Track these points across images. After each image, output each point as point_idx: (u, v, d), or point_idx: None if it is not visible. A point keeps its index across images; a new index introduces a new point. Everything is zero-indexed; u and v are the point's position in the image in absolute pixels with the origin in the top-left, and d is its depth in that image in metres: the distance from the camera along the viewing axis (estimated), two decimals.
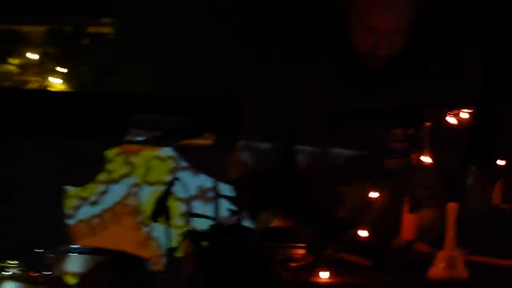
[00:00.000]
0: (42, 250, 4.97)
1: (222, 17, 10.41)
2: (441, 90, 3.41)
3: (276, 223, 3.35)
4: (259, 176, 3.48)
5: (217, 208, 5.71)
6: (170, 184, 4.31)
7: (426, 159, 3.11)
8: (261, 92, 3.57)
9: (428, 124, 3.11)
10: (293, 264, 2.85)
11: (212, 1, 11.00)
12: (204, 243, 2.96)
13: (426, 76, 3.44)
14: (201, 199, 6.03)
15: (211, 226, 3.13)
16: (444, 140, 3.21)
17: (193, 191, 4.58)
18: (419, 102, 3.21)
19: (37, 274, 4.70)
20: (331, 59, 3.45)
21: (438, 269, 2.91)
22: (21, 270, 4.75)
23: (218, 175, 5.80)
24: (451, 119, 3.08)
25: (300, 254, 2.89)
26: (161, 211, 4.30)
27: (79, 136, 8.04)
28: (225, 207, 5.06)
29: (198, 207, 5.67)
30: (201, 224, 4.57)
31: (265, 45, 3.72)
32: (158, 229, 6.76)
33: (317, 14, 3.71)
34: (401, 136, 3.21)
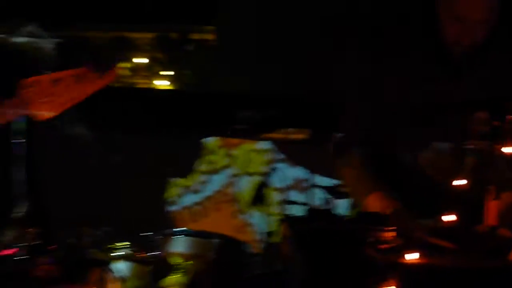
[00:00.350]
0: (150, 233, 5.01)
1: (317, 20, 10.40)
2: None
3: (371, 207, 3.29)
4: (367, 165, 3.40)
5: (310, 197, 5.70)
6: (268, 174, 4.30)
7: (509, 149, 3.03)
8: (355, 89, 3.50)
9: (511, 117, 3.03)
10: (383, 246, 2.80)
11: (307, 5, 10.98)
12: (301, 227, 2.92)
13: (508, 66, 3.33)
14: (296, 189, 6.02)
15: (308, 211, 3.10)
16: None
17: (289, 181, 4.57)
18: (503, 95, 3.12)
19: (145, 254, 4.73)
20: (418, 49, 3.36)
21: None
22: (131, 251, 4.78)
23: (312, 167, 5.78)
24: None
25: (390, 236, 2.84)
26: (259, 198, 4.28)
27: (184, 131, 8.12)
28: (319, 195, 5.04)
29: (294, 196, 5.66)
30: (296, 211, 4.54)
31: (357, 45, 3.64)
32: (254, 216, 6.78)
33: (404, 3, 3.61)
34: (484, 120, 3.12)
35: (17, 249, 3.09)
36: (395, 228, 2.86)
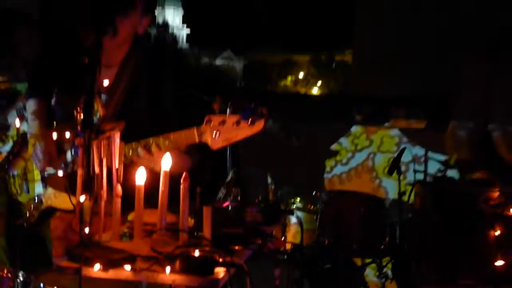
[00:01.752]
0: (314, 192, 4.99)
1: (429, 39, 10.16)
2: None
3: (478, 175, 3.16)
4: (468, 146, 3.27)
5: (426, 168, 5.56)
6: (402, 151, 4.20)
7: None
8: (463, 91, 3.36)
9: None
10: (491, 202, 2.70)
11: (427, 28, 10.70)
12: (434, 188, 2.85)
13: None
14: (416, 162, 5.90)
15: (436, 177, 3.01)
16: None
17: (411, 157, 4.48)
18: None
19: (313, 207, 4.70)
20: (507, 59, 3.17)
21: None
22: (303, 204, 4.77)
23: (428, 147, 5.65)
24: None
25: (496, 195, 2.73)
26: (394, 168, 4.19)
27: (331, 122, 8.13)
28: (433, 168, 4.90)
29: (415, 167, 5.55)
30: (418, 178, 4.42)
31: (461, 57, 3.47)
32: (385, 181, 6.70)
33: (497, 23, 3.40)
34: None
35: (228, 202, 3.09)
36: (499, 189, 2.76)
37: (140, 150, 2.81)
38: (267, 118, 2.67)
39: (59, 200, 3.17)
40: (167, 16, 60.91)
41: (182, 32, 61.45)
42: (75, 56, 2.87)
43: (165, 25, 57.90)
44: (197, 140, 2.72)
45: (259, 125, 2.64)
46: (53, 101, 3.36)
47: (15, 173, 3.33)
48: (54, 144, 3.14)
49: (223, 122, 2.67)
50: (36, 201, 3.23)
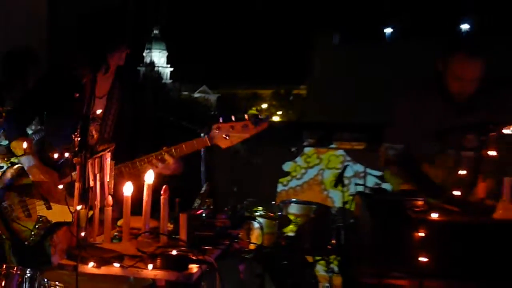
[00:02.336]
0: (273, 202, 4.98)
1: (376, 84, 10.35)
2: (500, 112, 3.12)
3: (405, 187, 3.20)
4: (395, 163, 3.31)
5: (365, 181, 5.59)
6: (345, 168, 4.23)
7: (492, 153, 2.92)
8: (394, 120, 3.40)
9: (493, 134, 2.92)
10: (416, 209, 2.73)
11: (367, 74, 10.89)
12: (370, 198, 2.86)
13: (490, 104, 3.15)
14: (357, 177, 5.93)
15: (374, 189, 3.04)
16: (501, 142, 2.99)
17: (353, 172, 4.50)
18: (488, 121, 2.99)
19: (273, 214, 4.69)
20: (437, 97, 3.22)
21: (498, 213, 2.73)
22: (264, 212, 4.74)
23: (367, 164, 5.69)
24: (506, 130, 2.89)
25: (420, 204, 2.76)
26: (339, 182, 4.22)
27: (289, 144, 8.13)
28: (371, 181, 4.94)
29: (356, 181, 5.57)
30: (359, 189, 4.44)
31: (399, 93, 3.49)
32: (331, 192, 6.70)
33: (427, 71, 3.45)
34: (474, 137, 3.03)
35: (202, 210, 3.08)
36: (422, 199, 2.79)
37: (155, 161, 2.86)
38: (268, 122, 2.78)
39: (54, 209, 3.12)
40: (154, 57, 60.89)
41: (166, 70, 61.41)
42: (72, 89, 2.92)
43: (152, 64, 57.84)
44: (209, 144, 2.81)
45: (263, 126, 2.76)
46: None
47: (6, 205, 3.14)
48: (56, 177, 3.07)
49: (232, 127, 2.76)
50: (41, 219, 3.10)
